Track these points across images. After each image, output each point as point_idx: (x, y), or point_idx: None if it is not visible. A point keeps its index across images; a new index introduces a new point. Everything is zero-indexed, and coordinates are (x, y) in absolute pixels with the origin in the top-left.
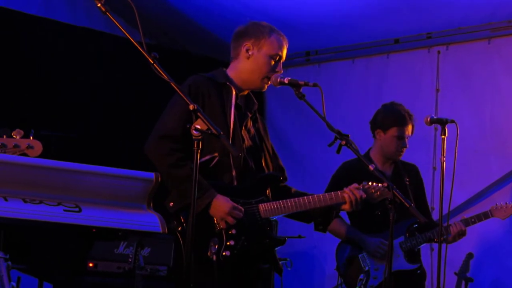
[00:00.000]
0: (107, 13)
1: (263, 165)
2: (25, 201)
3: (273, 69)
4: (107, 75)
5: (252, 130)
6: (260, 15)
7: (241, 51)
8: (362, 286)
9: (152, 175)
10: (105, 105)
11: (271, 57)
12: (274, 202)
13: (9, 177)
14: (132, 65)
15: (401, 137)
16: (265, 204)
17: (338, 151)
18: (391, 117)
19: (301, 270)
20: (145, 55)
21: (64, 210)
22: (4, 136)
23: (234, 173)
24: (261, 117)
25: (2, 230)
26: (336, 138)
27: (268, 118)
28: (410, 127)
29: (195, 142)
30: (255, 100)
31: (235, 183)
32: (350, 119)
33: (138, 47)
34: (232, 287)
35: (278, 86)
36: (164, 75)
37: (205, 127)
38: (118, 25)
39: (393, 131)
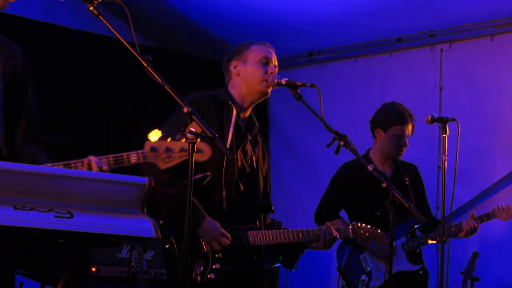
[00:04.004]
0: (100, 16)
1: (255, 190)
2: (15, 208)
3: (265, 72)
4: (109, 79)
5: (250, 153)
6: (262, 16)
7: (231, 72)
8: (364, 287)
9: (145, 180)
10: (107, 110)
11: (259, 62)
12: (263, 231)
13: None
14: (135, 68)
15: (401, 136)
16: (255, 232)
17: (336, 152)
18: (392, 116)
19: (307, 271)
20: (138, 57)
21: (56, 217)
22: (169, 139)
23: (224, 193)
24: (263, 141)
25: None
26: (334, 139)
27: (271, 118)
28: (410, 127)
29: (190, 145)
30: (256, 123)
31: (224, 204)
32: (354, 119)
33: (131, 49)
34: None
35: (275, 87)
36: (158, 78)
37: (199, 130)
38: (111, 27)
39: (393, 130)
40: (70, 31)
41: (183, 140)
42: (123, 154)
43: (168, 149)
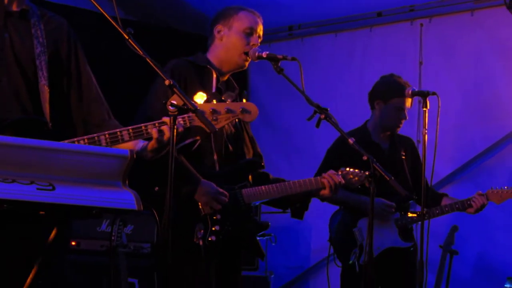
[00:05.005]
0: None
1: (244, 150)
2: None
3: (247, 43)
4: (91, 54)
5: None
6: None
7: (214, 35)
8: (356, 260)
9: (127, 152)
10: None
11: (243, 32)
12: (256, 187)
13: None
14: (117, 42)
15: (401, 109)
16: (248, 189)
17: (317, 125)
18: (393, 87)
19: (286, 245)
20: (120, 30)
21: (37, 189)
22: (214, 101)
23: (215, 157)
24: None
25: None
26: (315, 112)
27: (251, 93)
28: (410, 100)
29: (171, 118)
30: (235, 85)
31: (217, 167)
32: (334, 93)
33: (113, 22)
34: (216, 272)
35: (256, 61)
36: (139, 51)
37: (181, 103)
38: (93, 1)
39: (394, 102)
40: (51, 5)
41: (229, 101)
42: (141, 125)
43: (214, 111)
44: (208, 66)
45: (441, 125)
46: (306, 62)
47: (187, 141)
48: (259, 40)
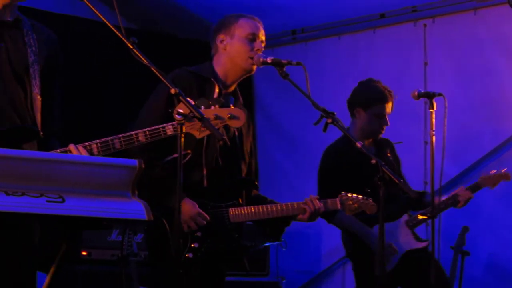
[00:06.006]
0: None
1: (241, 166)
2: (7, 194)
3: (252, 49)
4: (93, 62)
5: (233, 129)
6: None
7: (217, 45)
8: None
9: (135, 162)
10: (90, 92)
11: (246, 38)
12: (244, 208)
13: None
14: (121, 51)
15: (382, 115)
16: (236, 208)
17: (324, 130)
18: (372, 94)
19: (297, 250)
20: (124, 40)
21: (47, 201)
22: (202, 107)
23: (205, 171)
24: (248, 114)
25: None
26: (322, 116)
27: (257, 98)
28: (390, 104)
29: (178, 126)
30: (240, 99)
31: (205, 182)
32: (339, 96)
33: (116, 32)
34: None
35: (261, 66)
36: (144, 60)
37: (187, 111)
38: (95, 10)
39: (374, 109)
40: (51, 15)
41: (217, 107)
42: (159, 126)
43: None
44: (212, 79)
45: (448, 125)
46: (311, 65)
47: (177, 155)
48: (263, 45)
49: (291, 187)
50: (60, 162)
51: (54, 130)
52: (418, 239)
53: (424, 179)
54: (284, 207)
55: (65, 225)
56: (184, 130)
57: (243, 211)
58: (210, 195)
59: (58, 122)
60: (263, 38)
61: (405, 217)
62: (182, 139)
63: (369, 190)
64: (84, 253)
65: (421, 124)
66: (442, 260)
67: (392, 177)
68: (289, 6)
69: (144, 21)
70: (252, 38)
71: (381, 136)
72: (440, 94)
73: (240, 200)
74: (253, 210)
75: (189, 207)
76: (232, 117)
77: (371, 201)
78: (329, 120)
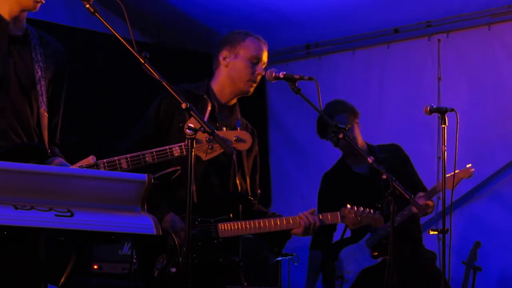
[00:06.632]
0: (96, 13)
1: (230, 183)
2: (16, 208)
3: (253, 72)
4: (108, 76)
5: None
6: (259, 10)
7: (219, 61)
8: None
9: (144, 177)
10: (104, 107)
11: (249, 60)
12: (234, 223)
13: None
14: (133, 65)
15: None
16: (225, 224)
17: (336, 145)
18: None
19: None
20: (135, 54)
21: (56, 215)
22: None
23: (194, 187)
24: (254, 132)
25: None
26: (334, 131)
27: (270, 111)
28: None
29: (189, 141)
30: (238, 115)
31: (195, 197)
32: None
33: (128, 46)
34: None
35: (273, 81)
36: (155, 75)
37: (198, 125)
38: (107, 25)
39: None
40: (67, 29)
41: (224, 129)
42: (166, 147)
43: (210, 140)
44: (205, 96)
45: (461, 140)
46: (324, 80)
47: (167, 170)
48: (264, 67)
49: (304, 201)
50: (69, 177)
51: (55, 141)
52: (375, 256)
53: (437, 195)
54: (278, 222)
55: (74, 239)
56: (194, 145)
57: (232, 226)
58: (199, 211)
59: (59, 131)
60: (266, 60)
61: (367, 236)
62: (193, 154)
63: (379, 205)
64: (95, 266)
65: (434, 139)
66: (453, 275)
67: (403, 192)
68: (303, 20)
69: (158, 35)
70: (256, 61)
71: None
72: (452, 110)
73: (231, 214)
74: (243, 225)
75: (171, 223)
76: (238, 139)
77: (378, 214)
78: (341, 135)
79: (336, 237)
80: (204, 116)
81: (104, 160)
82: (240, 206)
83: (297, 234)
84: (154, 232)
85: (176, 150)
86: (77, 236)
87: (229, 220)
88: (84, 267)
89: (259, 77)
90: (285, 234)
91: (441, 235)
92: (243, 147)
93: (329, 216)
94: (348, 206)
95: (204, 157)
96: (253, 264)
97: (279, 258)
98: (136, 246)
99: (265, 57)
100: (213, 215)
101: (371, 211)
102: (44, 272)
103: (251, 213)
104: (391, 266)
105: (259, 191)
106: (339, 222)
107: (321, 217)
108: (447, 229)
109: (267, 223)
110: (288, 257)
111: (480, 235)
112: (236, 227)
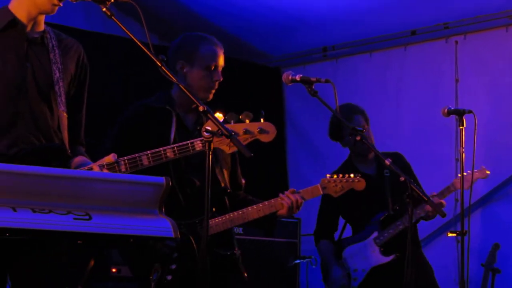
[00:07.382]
0: (112, 17)
1: (214, 180)
2: (34, 211)
3: (211, 80)
4: (125, 79)
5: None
6: (275, 13)
7: (176, 70)
8: None
9: (162, 180)
10: (123, 110)
11: (206, 69)
12: (218, 218)
13: (17, 187)
14: (151, 68)
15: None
16: (209, 220)
17: (353, 147)
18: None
19: None
20: (152, 57)
21: (74, 219)
22: (232, 122)
23: (180, 195)
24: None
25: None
26: (351, 134)
27: (287, 114)
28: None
29: (206, 143)
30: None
31: (182, 202)
32: (369, 114)
33: (145, 50)
34: None
35: (290, 84)
36: (172, 78)
37: (215, 128)
38: (124, 28)
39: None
40: (83, 32)
41: (247, 121)
42: (187, 142)
43: (246, 131)
44: (167, 107)
45: (478, 142)
46: (341, 82)
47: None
48: (220, 70)
49: None
50: (87, 180)
51: (79, 140)
52: (385, 253)
53: (455, 197)
54: (261, 207)
55: (92, 243)
56: (212, 148)
57: (217, 221)
58: (186, 214)
59: (83, 131)
60: (223, 63)
61: (374, 234)
62: (211, 156)
63: (397, 208)
64: (113, 270)
65: (452, 141)
66: (472, 278)
67: (421, 194)
68: (320, 23)
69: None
70: (213, 68)
71: (370, 153)
72: (470, 111)
73: (214, 209)
74: (227, 217)
75: None
76: (261, 131)
77: (358, 177)
78: (358, 138)
79: (335, 237)
80: (171, 127)
81: (125, 158)
82: (226, 200)
83: (283, 214)
84: (173, 235)
85: (198, 144)
86: (96, 239)
87: (212, 216)
88: (103, 271)
89: (217, 83)
90: (272, 216)
91: (460, 237)
92: (266, 138)
93: (310, 190)
94: (328, 175)
95: (227, 150)
96: (271, 268)
97: (297, 261)
98: (127, 256)
99: (221, 61)
100: (196, 215)
101: (351, 175)
102: (68, 277)
103: (237, 204)
104: (409, 264)
105: (243, 181)
106: (321, 193)
107: (301, 193)
108: (466, 231)
109: (250, 211)
110: (306, 260)
111: (498, 237)
112: (221, 220)
